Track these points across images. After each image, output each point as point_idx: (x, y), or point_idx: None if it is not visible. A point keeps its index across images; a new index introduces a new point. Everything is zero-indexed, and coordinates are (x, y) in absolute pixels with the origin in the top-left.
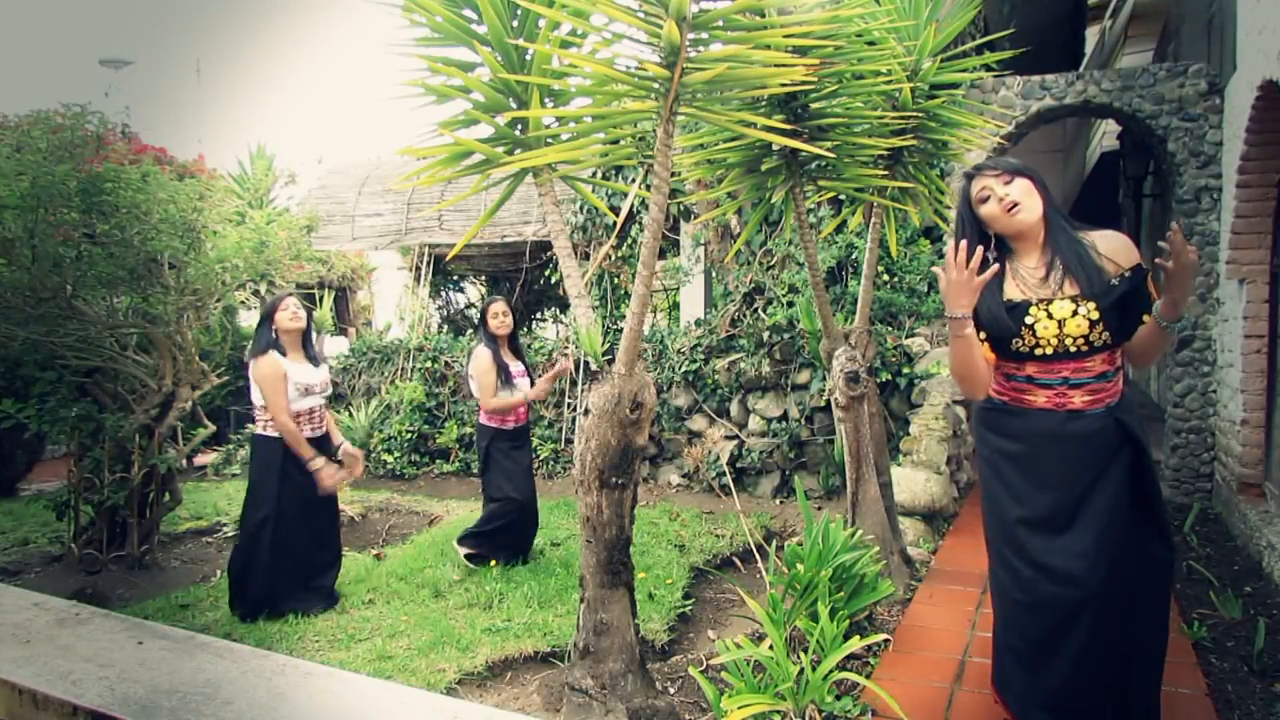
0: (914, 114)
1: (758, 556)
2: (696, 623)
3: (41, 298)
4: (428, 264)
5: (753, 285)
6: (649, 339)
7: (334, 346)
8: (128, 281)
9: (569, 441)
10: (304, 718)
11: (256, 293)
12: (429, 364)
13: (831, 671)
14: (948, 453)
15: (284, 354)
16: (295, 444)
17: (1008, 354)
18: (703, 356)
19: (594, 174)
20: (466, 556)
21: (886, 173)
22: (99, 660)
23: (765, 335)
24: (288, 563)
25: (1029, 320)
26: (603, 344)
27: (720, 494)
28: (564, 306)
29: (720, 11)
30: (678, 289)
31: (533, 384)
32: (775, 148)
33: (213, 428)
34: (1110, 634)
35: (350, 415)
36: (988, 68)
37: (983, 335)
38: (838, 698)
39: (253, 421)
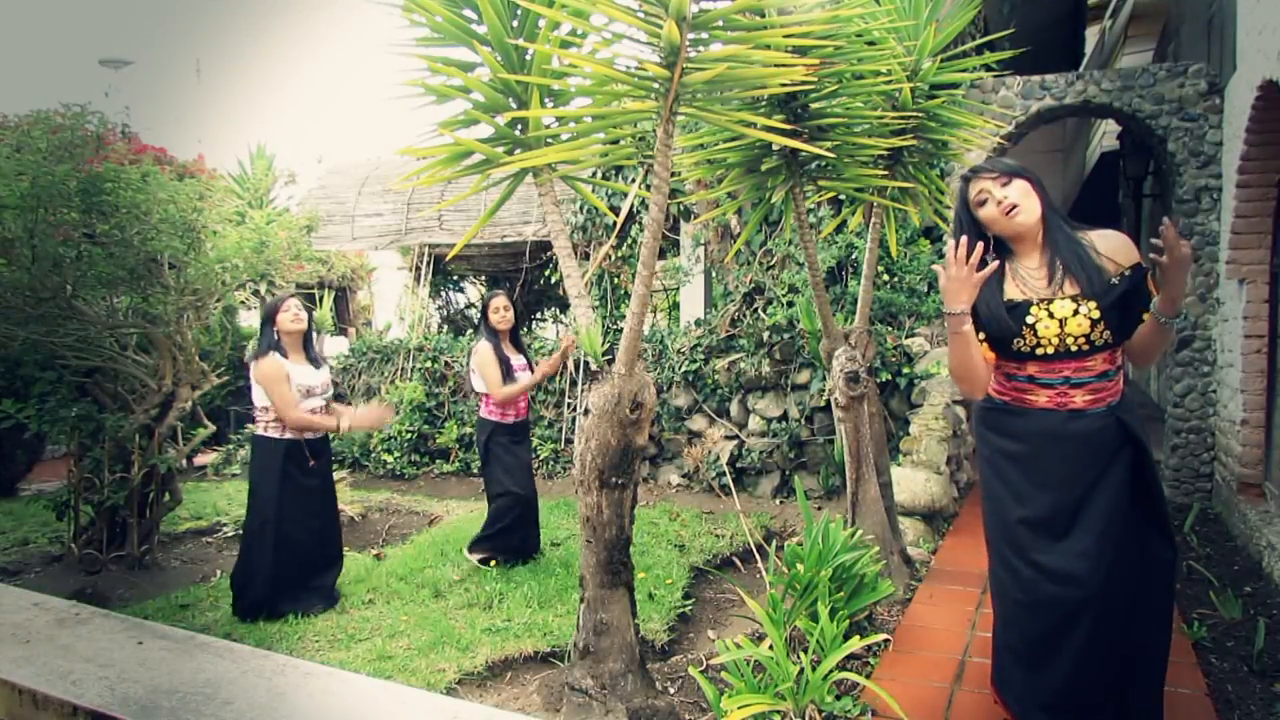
0: (914, 114)
1: (758, 556)
2: (696, 623)
3: (41, 298)
4: (428, 264)
5: (753, 285)
6: (649, 339)
7: (334, 346)
8: (128, 281)
9: (569, 441)
10: (304, 718)
11: (256, 293)
12: (429, 364)
13: (831, 671)
14: (948, 453)
15: (285, 356)
16: (314, 427)
17: (1009, 354)
18: (703, 356)
19: (594, 174)
20: (480, 561)
21: (886, 173)
22: (99, 660)
23: (765, 335)
24: (289, 562)
25: (1030, 320)
26: (603, 344)
27: (720, 494)
28: (564, 306)
29: (720, 11)
30: (678, 289)
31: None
32: (775, 148)
33: (213, 428)
34: (1111, 634)
35: None
36: (988, 68)
37: (983, 336)
38: (838, 698)
39: (253, 421)
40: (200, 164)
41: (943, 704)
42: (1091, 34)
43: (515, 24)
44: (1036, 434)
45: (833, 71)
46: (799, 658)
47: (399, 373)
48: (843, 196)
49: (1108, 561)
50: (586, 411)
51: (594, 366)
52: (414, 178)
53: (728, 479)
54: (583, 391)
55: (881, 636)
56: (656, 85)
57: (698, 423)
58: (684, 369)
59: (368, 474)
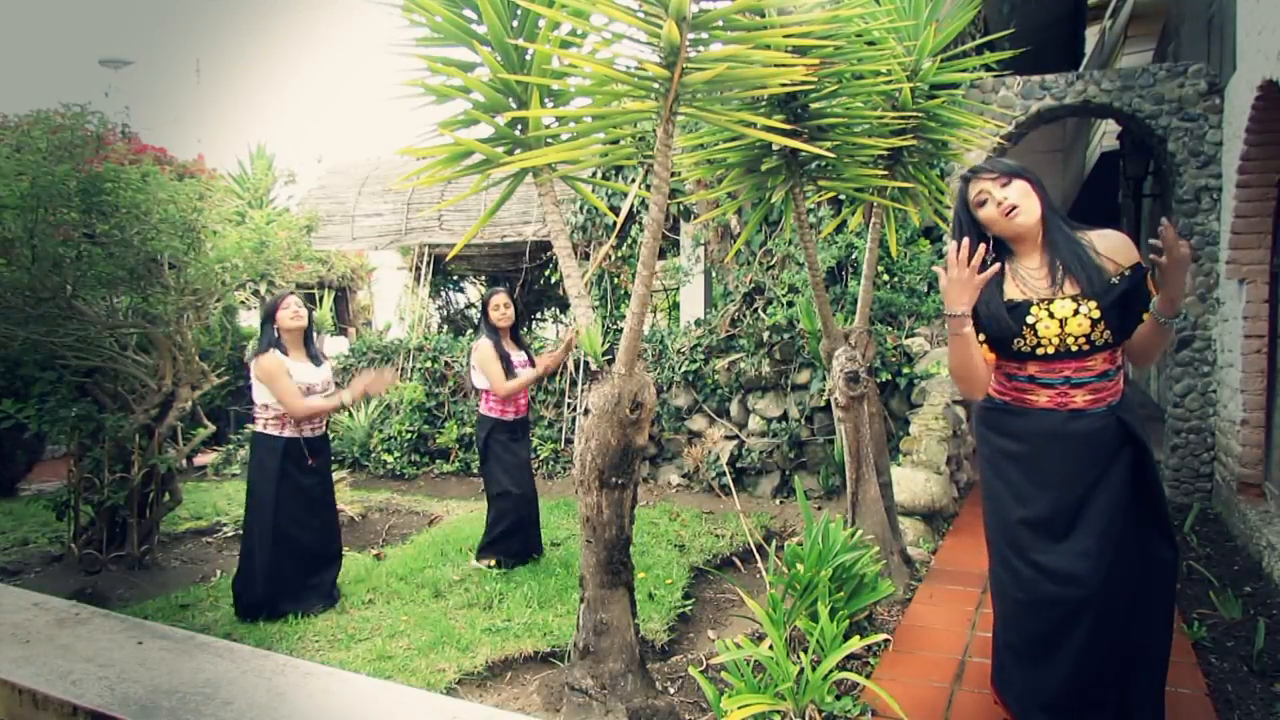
0: (914, 114)
1: (758, 556)
2: (696, 623)
3: (41, 298)
4: (428, 264)
5: (753, 285)
6: (649, 339)
7: (334, 346)
8: (128, 281)
9: (569, 441)
10: (304, 718)
11: (256, 293)
12: (429, 364)
13: (831, 671)
14: (948, 453)
15: (286, 353)
16: (320, 412)
17: (1009, 354)
18: (703, 356)
19: (594, 174)
20: (489, 567)
21: (886, 173)
22: (99, 660)
23: (765, 335)
24: (287, 560)
25: (1030, 320)
26: (603, 344)
27: (720, 494)
28: (564, 306)
29: (720, 11)
30: (678, 289)
31: None
32: (775, 148)
33: (213, 428)
34: (1111, 634)
35: (350, 415)
36: (988, 68)
37: (983, 337)
38: (838, 698)
39: (253, 421)
40: (200, 164)
41: (943, 704)
42: (1091, 34)
43: (515, 24)
44: (1037, 434)
45: (833, 71)
46: (799, 658)
47: (399, 373)
48: (843, 196)
49: (1108, 561)
50: (586, 411)
51: (594, 366)
52: (414, 178)
53: (728, 479)
54: (583, 391)
55: (881, 636)
56: (656, 85)
57: (698, 423)
58: (684, 369)
59: (368, 474)
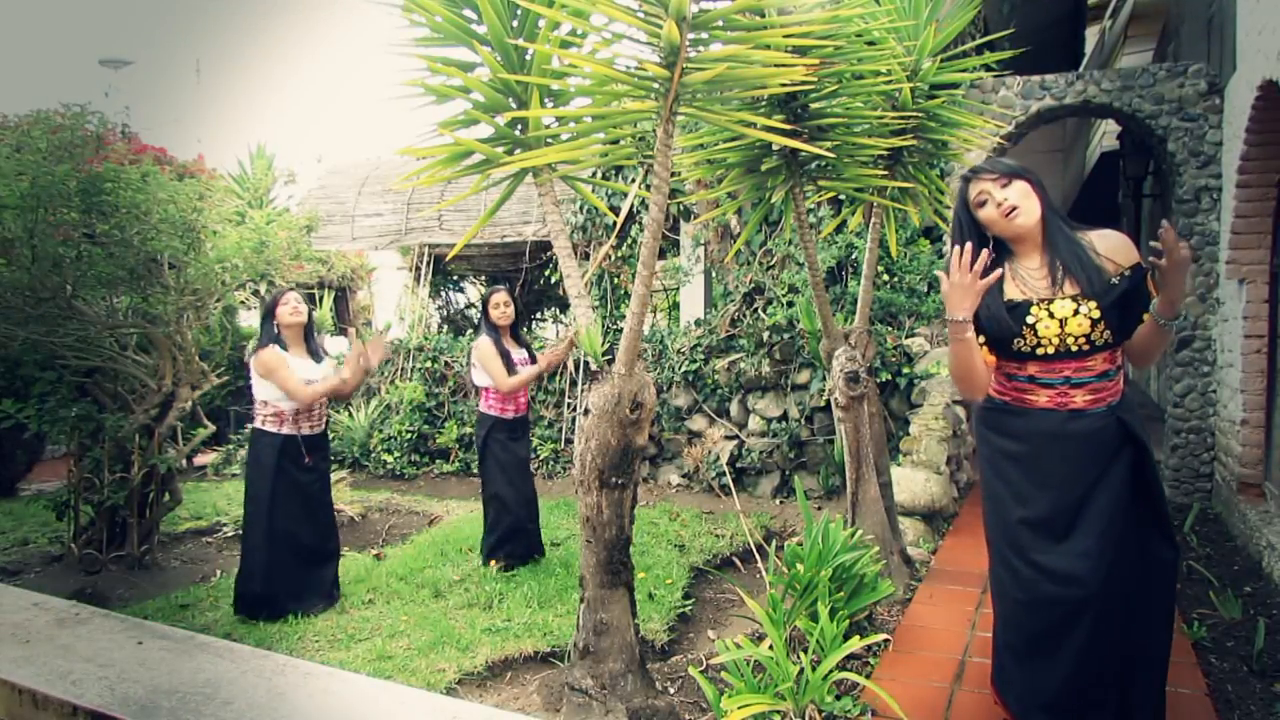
0: (914, 114)
1: (758, 556)
2: (696, 623)
3: (41, 298)
4: (428, 264)
5: (753, 285)
6: (649, 339)
7: (334, 346)
8: (128, 281)
9: (569, 441)
10: (304, 718)
11: (256, 293)
12: (429, 364)
13: (831, 671)
14: (948, 453)
15: (285, 349)
16: (325, 393)
17: (1009, 354)
18: (703, 356)
19: (594, 174)
20: (500, 569)
21: (886, 173)
22: (99, 660)
23: (765, 335)
24: (285, 555)
25: (1030, 320)
26: (603, 344)
27: (720, 494)
28: (564, 306)
29: (720, 11)
30: (678, 289)
31: None
32: (775, 148)
33: (213, 428)
34: (1111, 634)
35: (350, 415)
36: (988, 68)
37: (983, 339)
38: (838, 698)
39: (253, 421)
40: (200, 164)
41: (943, 704)
42: (1091, 34)
43: (515, 24)
44: (1037, 434)
45: (833, 71)
46: (799, 658)
47: (399, 373)
48: (843, 196)
49: (1108, 561)
50: (586, 411)
51: (594, 366)
52: (414, 178)
53: (728, 479)
54: (583, 391)
55: (881, 636)
56: (656, 85)
57: (698, 423)
58: (684, 369)
59: (368, 474)
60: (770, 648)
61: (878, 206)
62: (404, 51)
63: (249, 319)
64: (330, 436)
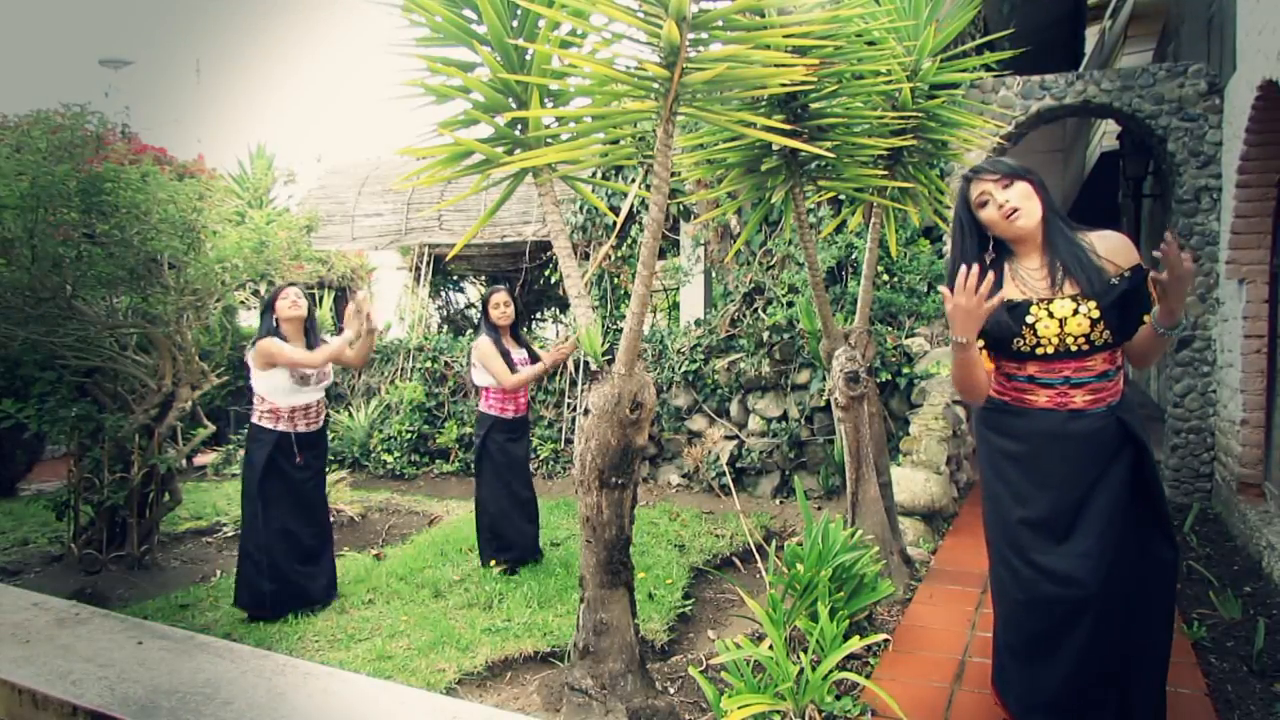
0: (914, 114)
1: (758, 556)
2: (696, 623)
3: (41, 298)
4: (427, 264)
5: (753, 285)
6: (649, 339)
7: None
8: (128, 281)
9: (569, 441)
10: (304, 718)
11: (256, 293)
12: (429, 364)
13: (831, 671)
14: (948, 453)
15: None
16: (332, 354)
17: (1009, 354)
18: (703, 356)
19: (594, 174)
20: (503, 572)
21: (886, 173)
22: (99, 660)
23: (765, 335)
24: (277, 552)
25: (1030, 320)
26: (603, 344)
27: (720, 494)
28: (564, 306)
29: (720, 11)
30: (678, 289)
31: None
32: (775, 148)
33: (213, 428)
34: (1111, 634)
35: (350, 415)
36: (988, 68)
37: (982, 341)
38: (837, 698)
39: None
40: (200, 164)
41: (943, 704)
42: (1091, 34)
43: (515, 24)
44: (1036, 434)
45: (833, 71)
46: (799, 658)
47: (399, 373)
48: (843, 196)
49: (1108, 562)
50: (586, 411)
51: (594, 366)
52: (414, 178)
53: (728, 479)
54: (583, 391)
55: (881, 636)
56: (656, 85)
57: (698, 423)
58: (684, 369)
59: (368, 474)
60: (770, 648)
61: (878, 206)
62: (404, 51)
63: (249, 319)
64: (330, 436)
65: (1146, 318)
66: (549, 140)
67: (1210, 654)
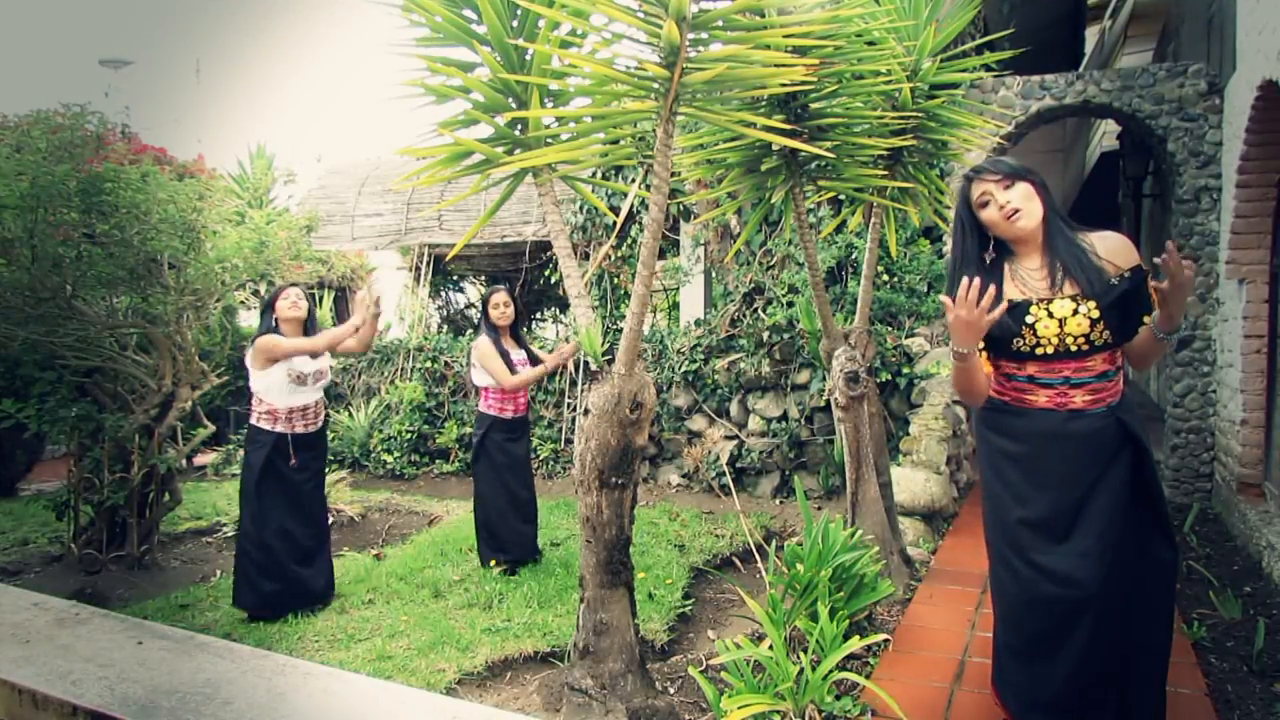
0: (914, 114)
1: (758, 556)
2: (696, 623)
3: (41, 298)
4: (428, 264)
5: (753, 285)
6: (649, 339)
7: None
8: (128, 281)
9: (569, 441)
10: (304, 718)
11: (256, 293)
12: (429, 364)
13: (831, 671)
14: (948, 453)
15: None
16: (327, 343)
17: (1009, 354)
18: (703, 356)
19: (594, 174)
20: (503, 572)
21: (886, 173)
22: (99, 660)
23: (765, 335)
24: (272, 552)
25: (1030, 320)
26: (603, 344)
27: (720, 494)
28: (564, 306)
29: (720, 11)
30: (678, 289)
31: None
32: (775, 148)
33: (213, 428)
34: (1111, 634)
35: (350, 415)
36: (988, 68)
37: (981, 344)
38: (837, 698)
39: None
40: (200, 164)
41: (943, 704)
42: (1091, 34)
43: (515, 24)
44: (1036, 434)
45: (833, 71)
46: (799, 658)
47: (399, 373)
48: (843, 196)
49: (1108, 562)
50: (586, 411)
51: (594, 366)
52: (414, 178)
53: (728, 479)
54: (583, 391)
55: (881, 636)
56: (656, 85)
57: (698, 423)
58: (684, 369)
59: (368, 474)
60: (770, 648)
61: (878, 206)
62: (404, 51)
63: (249, 319)
64: (330, 436)
65: (1146, 319)
66: (549, 140)
67: (1210, 654)
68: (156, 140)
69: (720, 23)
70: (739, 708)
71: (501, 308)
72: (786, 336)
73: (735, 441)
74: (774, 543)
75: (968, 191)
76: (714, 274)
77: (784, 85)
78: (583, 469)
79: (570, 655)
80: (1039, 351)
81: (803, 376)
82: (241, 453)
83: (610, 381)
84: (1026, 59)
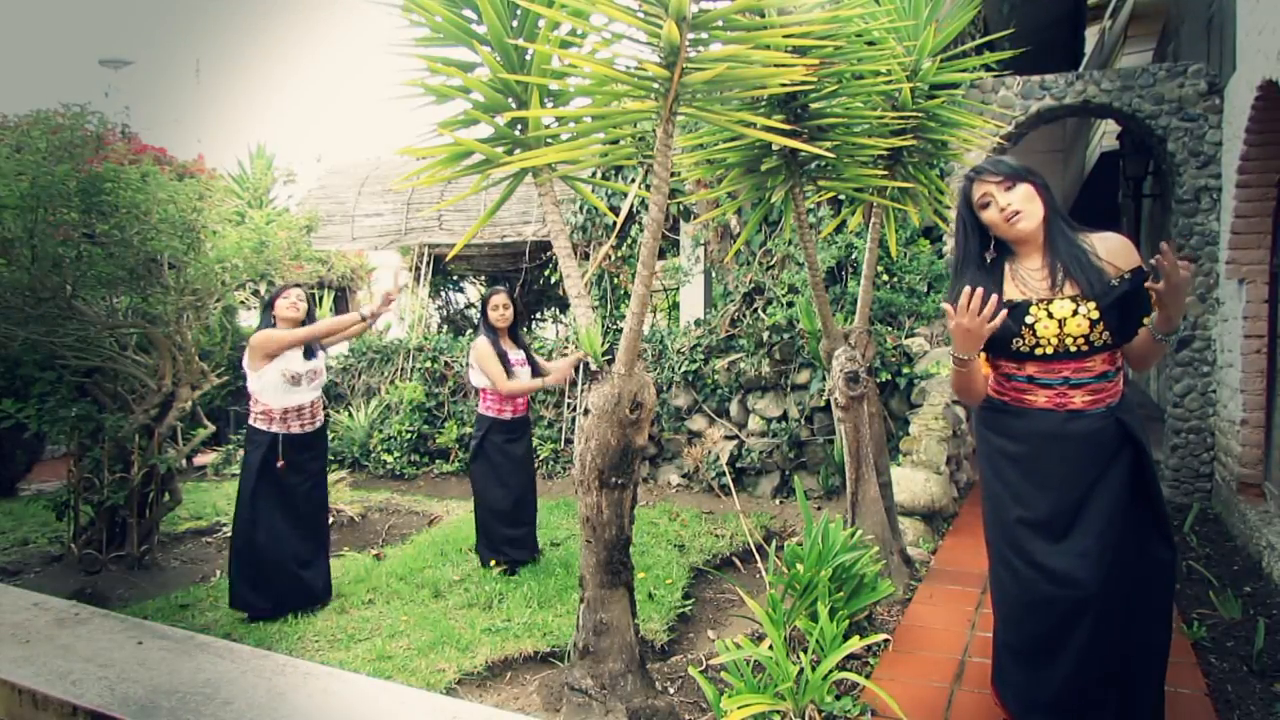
0: (914, 114)
1: (758, 556)
2: (696, 623)
3: (41, 298)
4: (427, 264)
5: (753, 285)
6: (649, 339)
7: (334, 347)
8: (128, 281)
9: (569, 441)
10: (304, 718)
11: (256, 293)
12: (429, 364)
13: (831, 671)
14: (947, 453)
15: None
16: (327, 329)
17: (1008, 354)
18: (703, 356)
19: (594, 174)
20: (503, 572)
21: (886, 173)
22: (99, 660)
23: (765, 335)
24: (268, 553)
25: (1029, 320)
26: (603, 344)
27: (720, 494)
28: (564, 306)
29: (720, 11)
30: (678, 289)
31: (534, 371)
32: (775, 148)
33: (212, 428)
34: (1110, 634)
35: (350, 415)
36: (988, 68)
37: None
38: (837, 698)
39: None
40: (200, 164)
41: (942, 704)
42: (1091, 34)
43: (515, 24)
44: (1036, 434)
45: (833, 71)
46: (799, 658)
47: (399, 373)
48: (843, 196)
49: (1107, 562)
50: (586, 411)
51: (594, 366)
52: (414, 178)
53: (727, 479)
54: (583, 391)
55: (881, 636)
56: (656, 85)
57: (698, 423)
58: (684, 369)
59: (368, 474)
60: (770, 648)
61: (878, 206)
62: (404, 51)
63: (249, 319)
64: (330, 436)
65: (1146, 320)
66: (549, 140)
67: (1210, 654)
68: (156, 140)
69: (720, 23)
70: (739, 708)
71: (500, 309)
72: (786, 336)
73: (735, 441)
74: (774, 543)
75: (969, 191)
76: (714, 274)
77: (784, 85)
78: (583, 469)
79: (570, 655)
80: (1038, 352)
81: (803, 376)
82: (242, 452)
83: (610, 381)
84: (1026, 59)
